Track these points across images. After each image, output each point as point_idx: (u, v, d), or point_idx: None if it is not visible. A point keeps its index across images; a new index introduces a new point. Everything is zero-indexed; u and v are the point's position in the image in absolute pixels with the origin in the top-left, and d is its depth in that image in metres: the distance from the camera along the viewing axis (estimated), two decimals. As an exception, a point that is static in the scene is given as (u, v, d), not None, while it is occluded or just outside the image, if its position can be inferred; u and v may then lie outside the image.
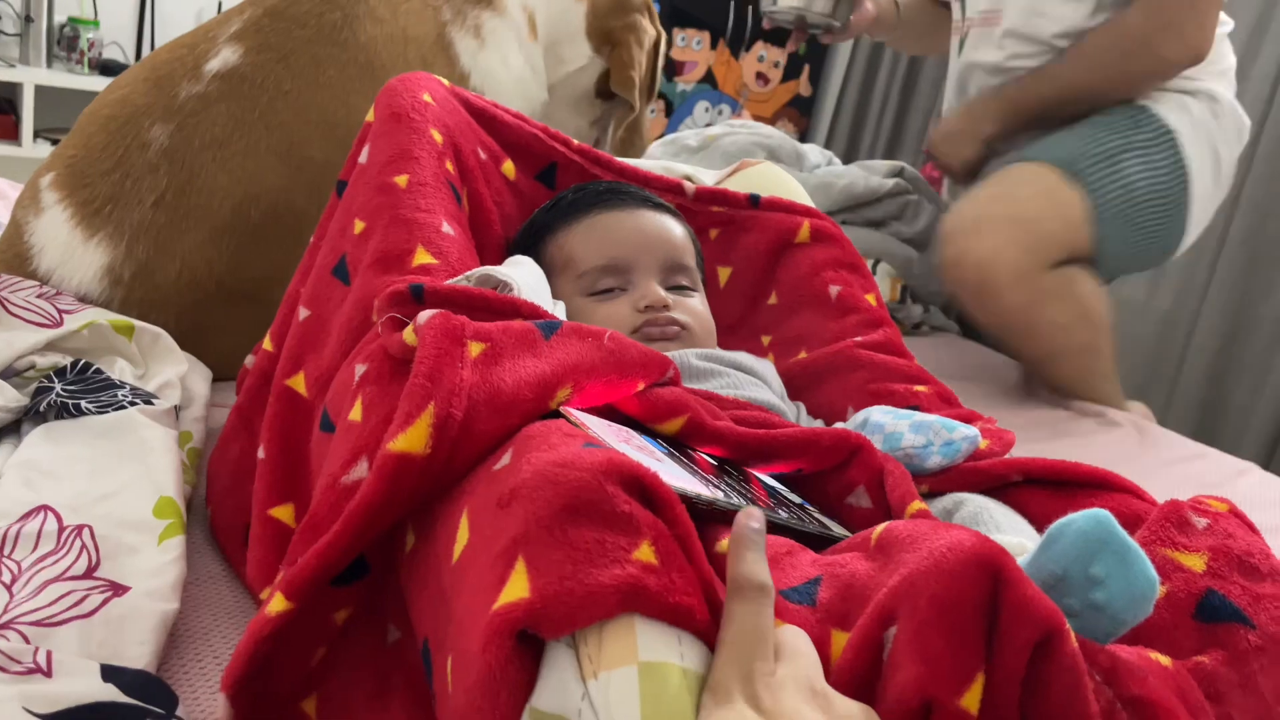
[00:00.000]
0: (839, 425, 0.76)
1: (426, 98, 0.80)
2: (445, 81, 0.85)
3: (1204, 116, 1.47)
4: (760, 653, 0.41)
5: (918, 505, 0.61)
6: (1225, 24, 1.50)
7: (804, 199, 1.06)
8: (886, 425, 0.71)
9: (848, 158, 1.87)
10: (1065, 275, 1.40)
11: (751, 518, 0.47)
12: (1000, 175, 1.44)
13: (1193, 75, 1.47)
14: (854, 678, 0.44)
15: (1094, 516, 0.48)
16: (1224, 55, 1.53)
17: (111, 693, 0.52)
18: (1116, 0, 1.43)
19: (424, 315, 0.55)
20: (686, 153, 1.65)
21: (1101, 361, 1.50)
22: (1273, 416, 2.52)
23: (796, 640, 0.44)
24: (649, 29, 1.25)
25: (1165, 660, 0.51)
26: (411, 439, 0.49)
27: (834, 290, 0.94)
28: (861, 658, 0.44)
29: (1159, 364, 2.70)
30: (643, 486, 0.45)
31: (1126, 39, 1.41)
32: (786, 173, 1.15)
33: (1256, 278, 2.57)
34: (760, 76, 3.93)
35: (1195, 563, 0.56)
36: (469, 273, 0.67)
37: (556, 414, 0.55)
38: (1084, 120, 1.48)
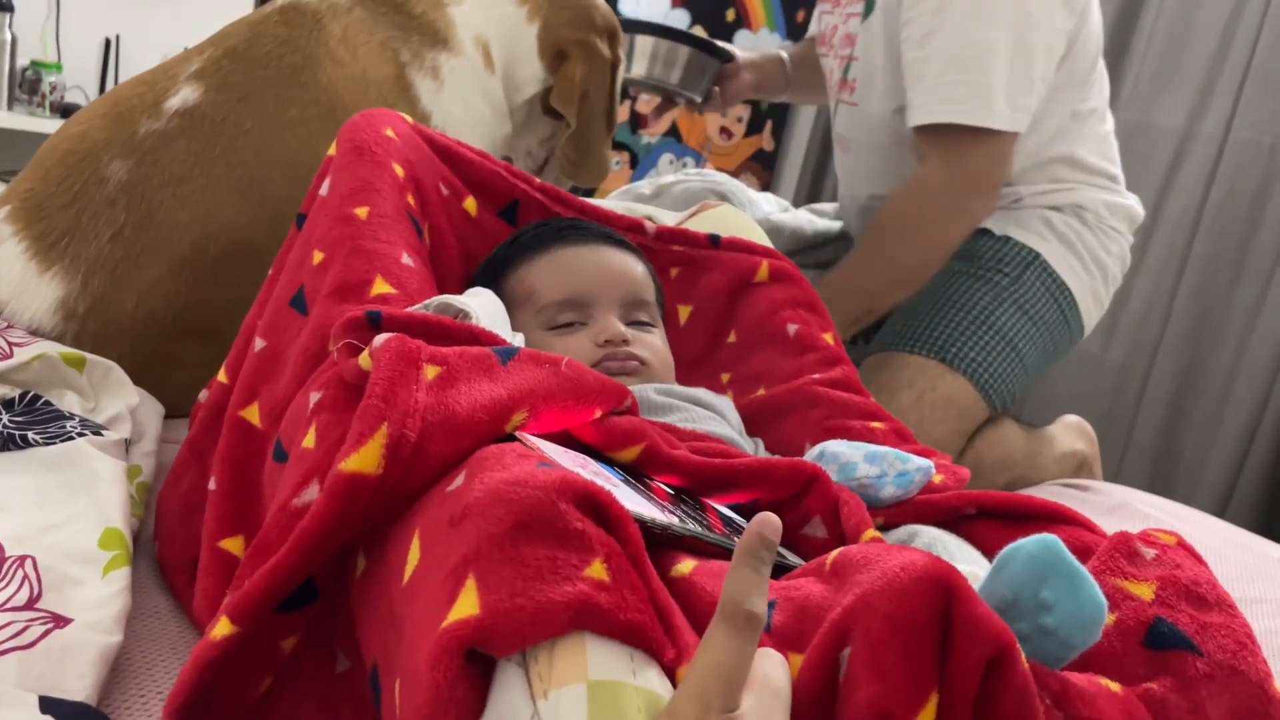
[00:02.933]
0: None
1: (389, 132, 0.80)
2: (408, 118, 0.86)
3: (1072, 227, 1.44)
4: (730, 693, 0.39)
5: (872, 534, 0.62)
6: (1105, 120, 1.48)
7: (763, 240, 1.08)
8: (842, 456, 0.72)
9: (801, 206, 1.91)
10: (984, 445, 1.37)
11: (765, 525, 0.42)
12: (874, 379, 1.35)
13: (1056, 188, 1.44)
14: (811, 699, 0.43)
15: (1043, 541, 0.49)
16: (1098, 159, 1.48)
17: (49, 723, 0.50)
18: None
19: (380, 339, 0.55)
20: (641, 200, 1.67)
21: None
22: (1225, 467, 2.57)
23: (773, 671, 0.42)
24: (604, 52, 1.24)
25: (1115, 686, 0.51)
26: (364, 459, 0.49)
27: (792, 329, 0.95)
28: (818, 678, 0.43)
29: (1113, 417, 2.74)
30: (595, 505, 0.45)
31: (934, 205, 1.34)
32: (745, 214, 1.17)
33: (1207, 332, 2.64)
34: (724, 131, 4.00)
35: (1144, 592, 0.57)
36: (427, 301, 0.67)
37: (512, 438, 0.55)
38: (946, 271, 1.43)
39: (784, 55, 1.77)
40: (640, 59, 1.61)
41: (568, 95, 1.21)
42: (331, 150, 0.80)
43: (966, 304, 1.38)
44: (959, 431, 1.34)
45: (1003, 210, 1.45)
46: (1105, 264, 1.47)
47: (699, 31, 3.82)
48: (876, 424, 0.85)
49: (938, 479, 0.74)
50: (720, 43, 1.67)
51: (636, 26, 1.61)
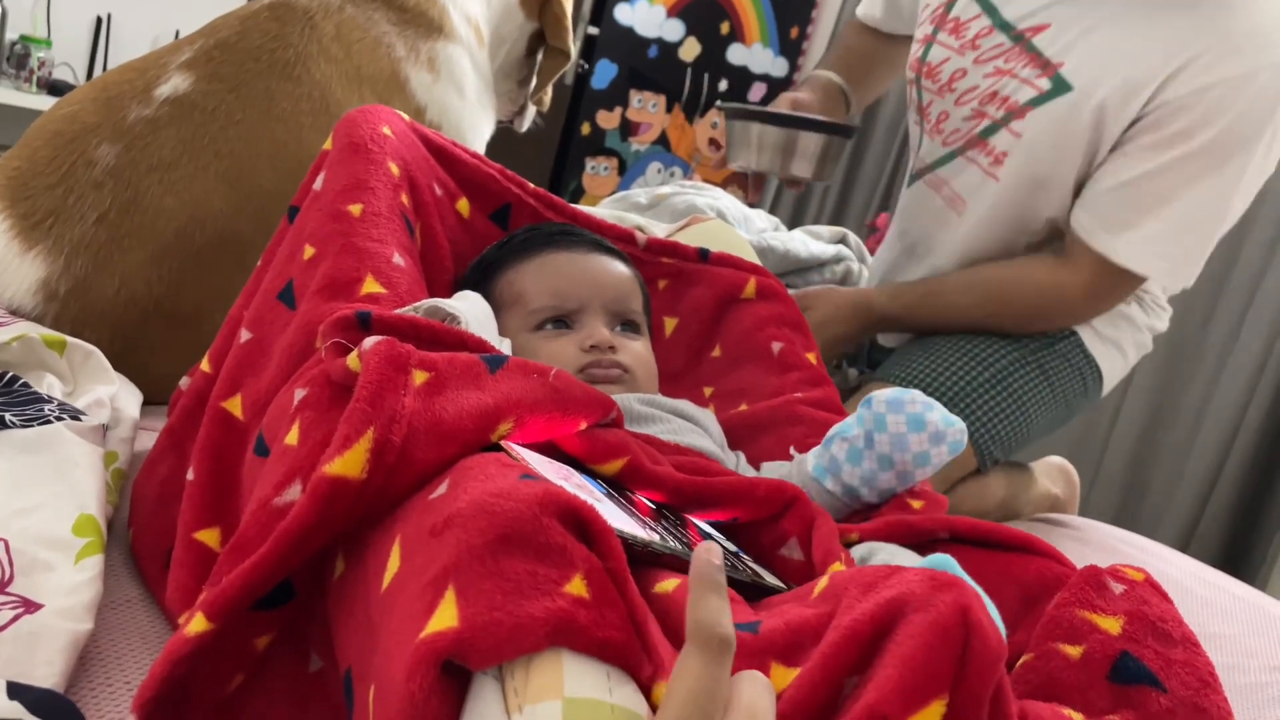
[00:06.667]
0: (777, 475, 0.76)
1: (386, 130, 0.80)
2: (405, 116, 0.86)
3: (1124, 313, 1.41)
4: (708, 719, 0.38)
5: (839, 568, 0.62)
6: None
7: (752, 256, 1.08)
8: (889, 393, 0.74)
9: (793, 226, 1.89)
10: (964, 491, 1.35)
11: (711, 553, 0.42)
12: None
13: None
14: (804, 713, 0.42)
15: (938, 561, 0.49)
16: None
17: (17, 710, 0.50)
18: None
19: (369, 341, 0.55)
20: (636, 209, 1.66)
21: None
22: (1190, 502, 2.60)
23: (756, 694, 0.40)
24: None
25: (1078, 718, 0.52)
26: (348, 463, 0.49)
27: (776, 347, 0.95)
28: (818, 694, 0.42)
29: (1083, 449, 2.77)
30: (578, 519, 0.45)
31: (1058, 301, 1.32)
32: (735, 230, 1.17)
33: (1178, 369, 2.67)
34: (713, 143, 4.01)
35: (1111, 625, 0.58)
36: (417, 304, 0.67)
37: (497, 447, 0.55)
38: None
39: (841, 84, 1.60)
40: (774, 152, 1.40)
41: (564, 31, 1.31)
42: (327, 145, 0.80)
43: (987, 358, 1.34)
44: (943, 479, 1.32)
45: None
46: (1144, 343, 1.45)
47: (695, 45, 3.84)
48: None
49: (917, 505, 0.75)
50: (840, 120, 1.51)
51: (755, 116, 1.43)
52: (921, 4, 1.48)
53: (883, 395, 0.75)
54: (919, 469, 0.75)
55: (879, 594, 0.44)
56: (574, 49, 1.39)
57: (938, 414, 0.74)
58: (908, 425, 0.73)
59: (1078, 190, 1.29)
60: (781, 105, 1.49)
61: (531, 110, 1.46)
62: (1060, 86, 1.25)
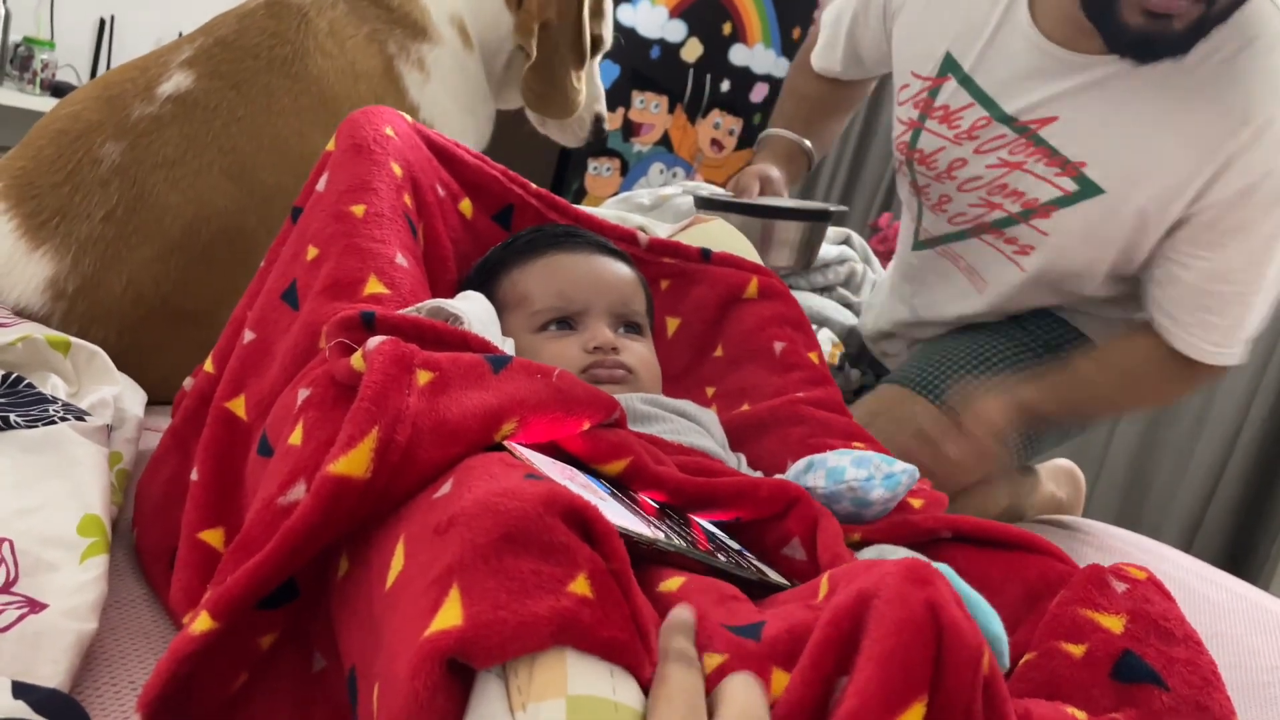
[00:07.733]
0: (779, 476, 0.77)
1: (389, 131, 0.80)
2: (408, 117, 0.86)
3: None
4: (695, 716, 0.41)
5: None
6: None
7: (753, 257, 1.08)
8: (830, 460, 0.73)
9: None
10: (965, 499, 1.33)
11: (685, 610, 0.47)
12: (885, 411, 1.32)
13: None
14: (798, 716, 0.42)
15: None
16: None
17: (22, 709, 0.50)
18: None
19: (373, 341, 0.55)
20: (639, 210, 1.67)
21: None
22: (1193, 501, 2.60)
23: (747, 695, 0.42)
24: None
25: (1081, 716, 0.52)
26: (353, 462, 0.49)
27: (778, 346, 0.95)
28: (809, 694, 0.42)
29: (1086, 449, 2.77)
30: (582, 519, 0.45)
31: (1158, 400, 1.38)
32: (738, 231, 1.17)
33: (1181, 365, 2.66)
34: (715, 143, 4.02)
35: (1114, 624, 0.58)
36: (420, 304, 0.67)
37: (501, 448, 0.55)
38: (993, 330, 1.39)
39: (799, 142, 1.59)
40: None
41: (526, 27, 1.24)
42: (330, 145, 0.80)
43: (999, 364, 1.34)
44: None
45: (1087, 315, 1.40)
46: None
47: (697, 46, 3.84)
48: (857, 445, 0.86)
49: (917, 504, 0.75)
50: (823, 205, 1.46)
51: (728, 207, 1.35)
52: (898, 82, 1.41)
53: (818, 487, 0.73)
54: (885, 513, 0.74)
55: (853, 585, 0.44)
56: (565, 53, 1.28)
57: (878, 486, 0.71)
58: (854, 505, 0.72)
59: (1114, 272, 1.29)
60: (749, 181, 1.44)
61: (579, 121, 1.37)
62: (1089, 188, 1.21)
